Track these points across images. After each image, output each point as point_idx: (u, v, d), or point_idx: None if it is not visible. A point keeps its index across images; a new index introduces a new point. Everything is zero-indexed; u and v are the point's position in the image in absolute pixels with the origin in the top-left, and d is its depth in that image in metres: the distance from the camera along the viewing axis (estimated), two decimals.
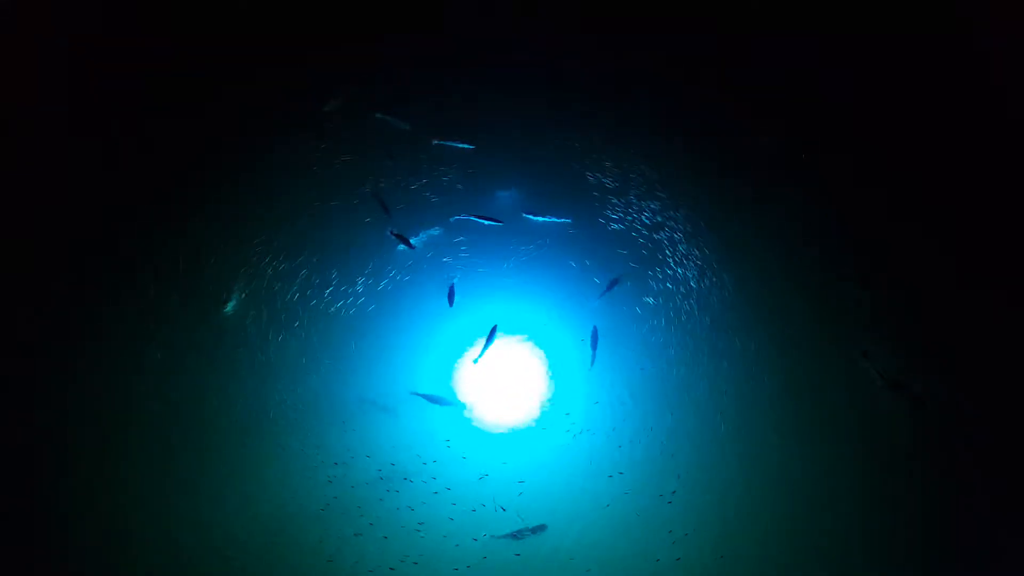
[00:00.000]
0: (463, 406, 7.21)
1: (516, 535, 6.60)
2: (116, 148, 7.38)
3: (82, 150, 7.37)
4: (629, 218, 7.60)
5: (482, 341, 7.05)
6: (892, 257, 7.05)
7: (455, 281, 7.29)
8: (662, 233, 7.53)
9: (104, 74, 7.45)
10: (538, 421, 7.19)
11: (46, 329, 6.96)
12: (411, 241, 7.34)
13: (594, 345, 6.95)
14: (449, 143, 7.44)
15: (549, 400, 7.26)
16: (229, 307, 7.21)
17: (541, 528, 6.65)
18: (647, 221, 7.58)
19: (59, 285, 7.05)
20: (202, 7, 7.64)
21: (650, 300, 7.36)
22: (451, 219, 7.54)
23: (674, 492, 6.70)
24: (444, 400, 7.09)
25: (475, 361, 7.07)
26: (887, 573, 6.52)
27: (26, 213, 7.11)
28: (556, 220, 7.51)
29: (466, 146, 7.41)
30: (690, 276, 7.38)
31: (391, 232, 7.40)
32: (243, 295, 7.27)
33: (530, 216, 7.49)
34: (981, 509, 6.42)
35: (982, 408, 6.57)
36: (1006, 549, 6.31)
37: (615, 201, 7.65)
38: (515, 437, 7.14)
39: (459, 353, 7.38)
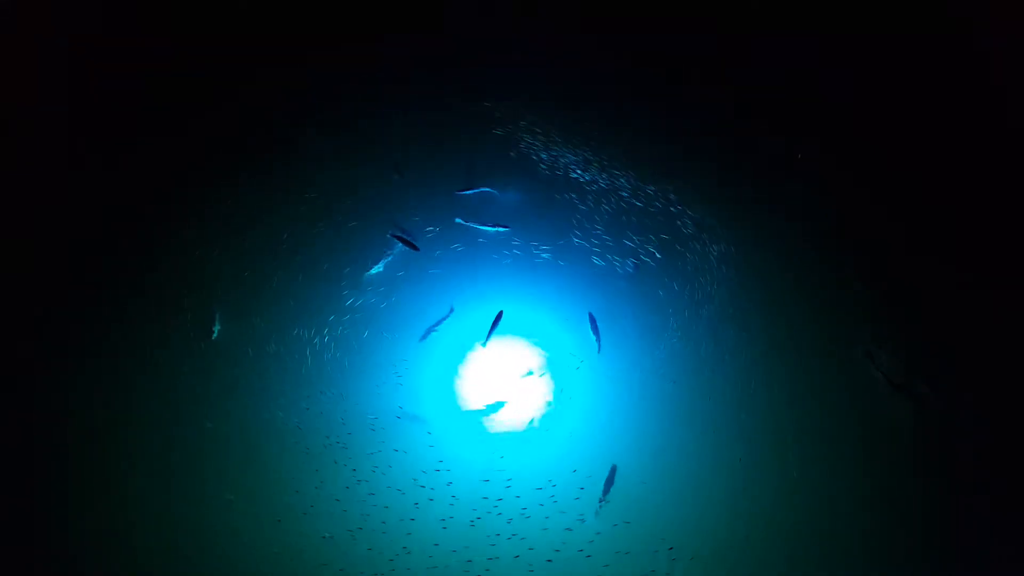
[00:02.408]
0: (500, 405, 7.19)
1: (602, 501, 6.60)
2: (116, 148, 7.37)
3: (82, 150, 7.36)
4: (625, 218, 7.58)
5: (481, 342, 7.08)
6: (892, 257, 7.05)
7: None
8: (661, 234, 7.52)
9: (104, 74, 7.45)
10: (543, 419, 7.17)
11: (46, 330, 6.95)
12: (382, 260, 7.29)
13: (596, 331, 6.93)
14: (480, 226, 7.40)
15: (552, 398, 7.25)
16: (216, 331, 7.14)
17: (612, 473, 6.62)
18: (643, 221, 7.57)
19: (59, 285, 7.04)
20: (202, 7, 7.64)
21: (650, 302, 7.35)
22: (455, 220, 7.50)
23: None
24: (491, 408, 7.10)
25: (483, 344, 7.03)
26: (887, 573, 6.52)
27: (26, 213, 7.11)
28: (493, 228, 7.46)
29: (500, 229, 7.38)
30: (691, 277, 7.36)
31: (391, 234, 7.38)
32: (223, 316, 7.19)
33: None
34: (981, 509, 6.41)
35: (982, 408, 6.56)
36: (1006, 550, 6.30)
37: (611, 199, 7.64)
38: (524, 436, 7.11)
39: (460, 357, 7.35)
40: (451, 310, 7.17)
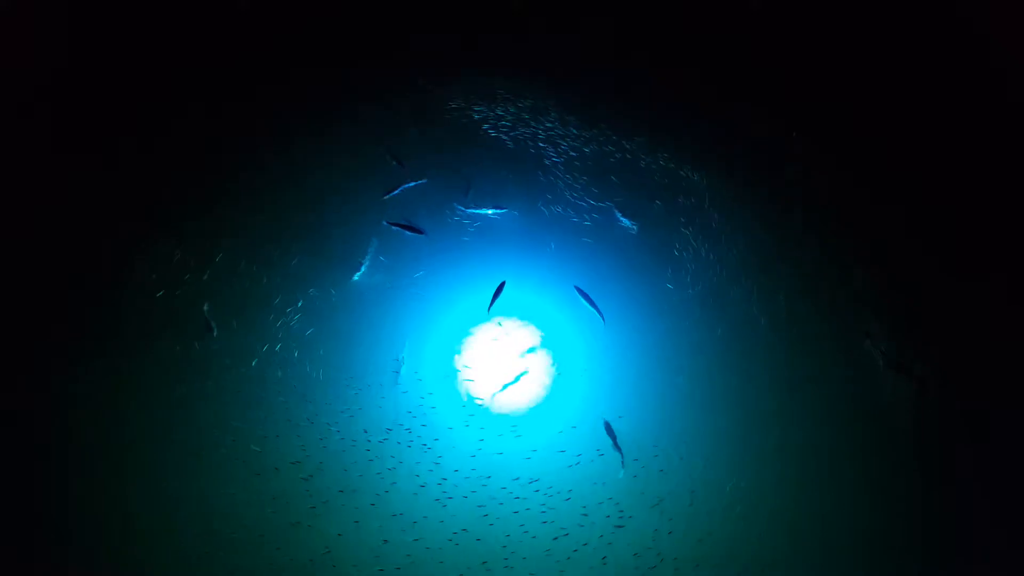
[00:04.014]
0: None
1: (621, 453, 6.68)
2: (116, 148, 7.36)
3: (79, 148, 7.35)
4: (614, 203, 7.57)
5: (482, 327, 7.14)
6: (893, 241, 7.07)
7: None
8: (658, 219, 7.51)
9: (104, 74, 7.47)
10: (547, 398, 7.14)
11: (43, 332, 6.93)
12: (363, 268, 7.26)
13: (590, 301, 6.95)
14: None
15: (554, 377, 7.21)
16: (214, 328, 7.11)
17: (608, 428, 6.73)
18: (640, 209, 7.56)
19: (56, 289, 7.01)
20: (201, 7, 7.66)
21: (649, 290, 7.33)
22: (455, 206, 7.48)
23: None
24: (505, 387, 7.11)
25: (488, 313, 7.04)
26: (885, 553, 6.54)
27: (26, 213, 7.09)
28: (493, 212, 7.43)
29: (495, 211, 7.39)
30: (687, 260, 7.35)
31: (388, 223, 7.38)
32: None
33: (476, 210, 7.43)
34: (980, 493, 6.44)
35: (979, 389, 6.60)
36: (1004, 534, 6.33)
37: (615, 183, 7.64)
38: (528, 416, 7.08)
39: (460, 338, 7.31)
40: (401, 361, 7.10)
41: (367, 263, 7.29)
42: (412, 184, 7.42)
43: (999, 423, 6.53)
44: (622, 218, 7.42)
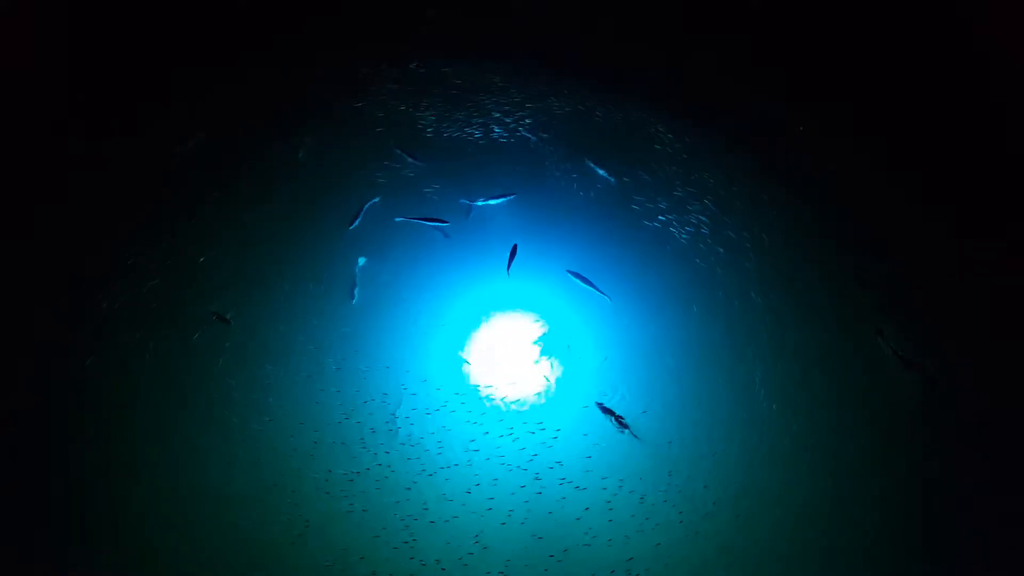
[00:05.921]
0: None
1: (625, 426, 6.70)
2: (116, 148, 7.38)
3: (81, 149, 7.37)
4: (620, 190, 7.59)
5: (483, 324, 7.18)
6: (904, 237, 7.09)
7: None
8: (664, 212, 7.53)
9: (103, 73, 7.48)
10: (554, 391, 7.11)
11: (43, 332, 6.93)
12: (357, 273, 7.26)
13: (591, 284, 6.98)
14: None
15: (561, 370, 7.20)
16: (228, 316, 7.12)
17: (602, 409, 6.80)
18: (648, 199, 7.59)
19: (56, 289, 7.02)
20: (201, 7, 7.69)
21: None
22: (468, 203, 7.48)
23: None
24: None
25: (507, 272, 7.05)
26: (887, 564, 6.53)
27: (26, 213, 7.09)
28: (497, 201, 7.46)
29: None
30: (697, 256, 7.35)
31: (401, 218, 7.38)
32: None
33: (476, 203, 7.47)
34: (985, 489, 6.43)
35: (989, 384, 6.60)
36: (1009, 533, 6.31)
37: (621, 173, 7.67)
38: (533, 411, 7.05)
39: (468, 331, 7.30)
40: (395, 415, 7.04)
41: (358, 285, 7.27)
42: (370, 204, 7.43)
43: (1003, 424, 6.53)
44: (598, 169, 7.46)
